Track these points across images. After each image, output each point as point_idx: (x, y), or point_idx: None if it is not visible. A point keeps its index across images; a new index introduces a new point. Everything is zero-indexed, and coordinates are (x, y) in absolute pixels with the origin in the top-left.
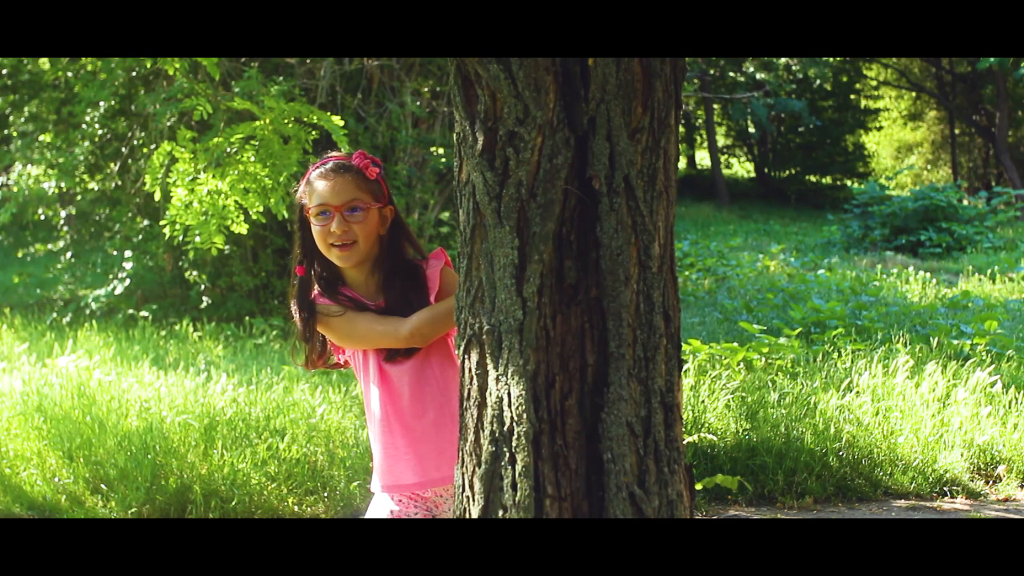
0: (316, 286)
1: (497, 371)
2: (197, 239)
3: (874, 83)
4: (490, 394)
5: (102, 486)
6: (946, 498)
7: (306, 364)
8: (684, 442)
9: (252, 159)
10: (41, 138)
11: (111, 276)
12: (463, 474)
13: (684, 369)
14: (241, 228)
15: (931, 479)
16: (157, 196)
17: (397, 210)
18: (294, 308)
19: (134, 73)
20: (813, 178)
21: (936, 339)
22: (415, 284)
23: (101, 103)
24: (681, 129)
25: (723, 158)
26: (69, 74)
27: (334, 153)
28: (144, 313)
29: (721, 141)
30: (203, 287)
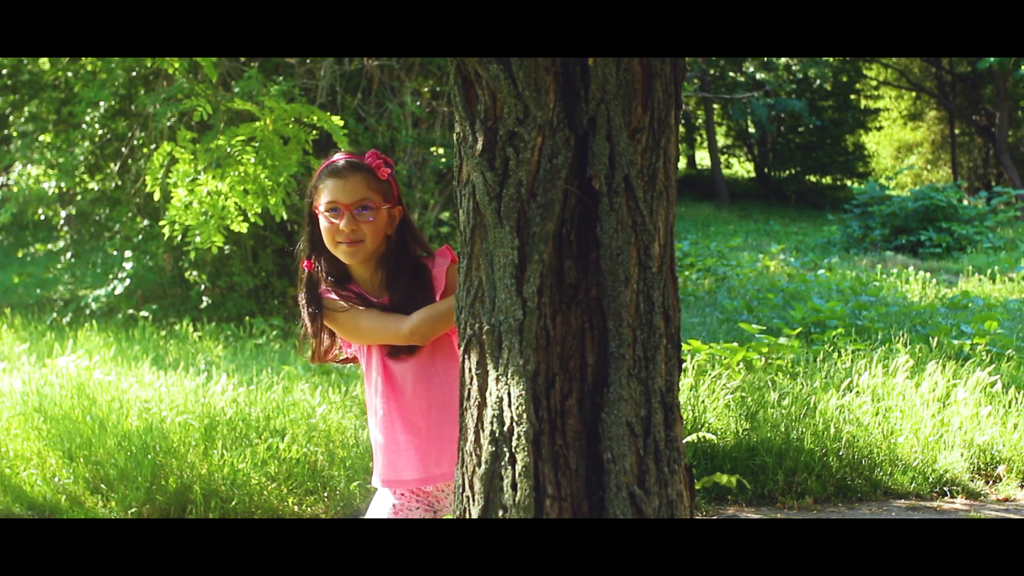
0: (323, 281)
1: (497, 371)
2: (197, 239)
3: (874, 83)
4: (490, 394)
5: (102, 486)
6: (946, 498)
7: (313, 358)
8: (684, 442)
9: (252, 160)
10: (41, 138)
11: (111, 276)
12: (463, 474)
13: (684, 369)
14: (241, 227)
15: (931, 479)
16: (157, 196)
17: (406, 209)
18: (302, 302)
19: (134, 73)
20: (813, 178)
21: (936, 339)
22: (420, 282)
23: (101, 103)
24: (681, 129)
25: (723, 158)
26: (69, 74)
27: (346, 151)
28: (144, 313)
29: (721, 141)
30: (203, 287)
